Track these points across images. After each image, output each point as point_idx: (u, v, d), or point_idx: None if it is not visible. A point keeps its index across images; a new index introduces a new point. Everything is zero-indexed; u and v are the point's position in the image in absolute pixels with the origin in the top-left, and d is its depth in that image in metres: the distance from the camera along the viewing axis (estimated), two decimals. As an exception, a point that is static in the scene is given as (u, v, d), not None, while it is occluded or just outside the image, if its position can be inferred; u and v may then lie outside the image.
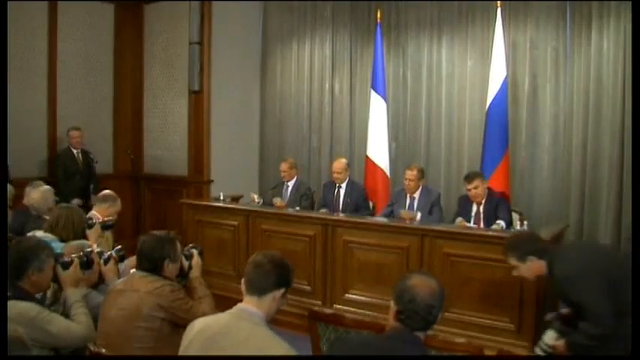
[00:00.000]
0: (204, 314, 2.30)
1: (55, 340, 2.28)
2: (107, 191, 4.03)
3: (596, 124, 5.28)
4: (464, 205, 4.58)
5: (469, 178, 4.47)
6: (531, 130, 5.67)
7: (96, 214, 3.75)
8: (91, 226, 3.30)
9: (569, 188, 5.49)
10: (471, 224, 4.40)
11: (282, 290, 1.93)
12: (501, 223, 4.16)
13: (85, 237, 3.20)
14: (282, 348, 1.78)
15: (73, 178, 5.87)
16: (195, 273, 2.67)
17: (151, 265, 2.41)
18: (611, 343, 2.27)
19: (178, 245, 2.55)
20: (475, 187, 4.39)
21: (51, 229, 3.14)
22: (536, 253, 2.69)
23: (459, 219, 4.41)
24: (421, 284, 1.83)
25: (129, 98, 7.03)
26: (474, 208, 4.50)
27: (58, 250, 2.70)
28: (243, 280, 1.96)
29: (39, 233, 3.10)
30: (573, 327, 2.43)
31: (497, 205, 4.39)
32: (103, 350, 2.11)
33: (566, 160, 5.51)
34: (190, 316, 2.31)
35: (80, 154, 6.05)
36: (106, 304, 2.40)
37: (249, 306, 1.89)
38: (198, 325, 1.93)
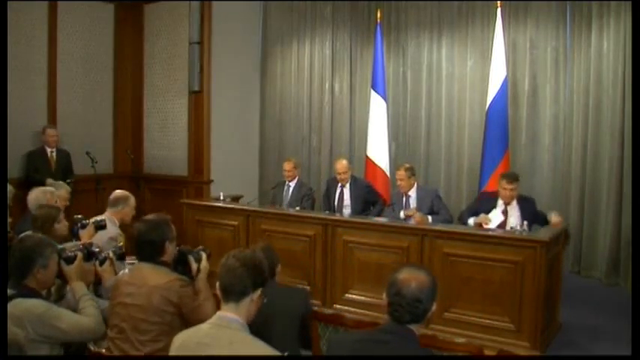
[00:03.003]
0: (207, 316, 2.29)
1: (65, 335, 2.26)
2: (117, 192, 3.81)
3: (596, 124, 5.29)
4: (486, 201, 4.42)
5: (512, 178, 4.28)
6: (531, 130, 5.68)
7: (110, 216, 3.62)
8: (84, 226, 3.23)
9: (569, 188, 5.50)
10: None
11: (258, 291, 1.91)
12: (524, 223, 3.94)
13: (78, 237, 3.17)
14: (266, 351, 1.78)
15: (42, 179, 5.03)
16: (202, 275, 2.66)
17: (152, 249, 2.39)
18: None
19: (172, 226, 2.53)
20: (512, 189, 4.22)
21: (35, 228, 3.08)
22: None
23: (482, 215, 4.26)
24: (409, 278, 1.81)
25: (129, 98, 7.03)
26: (499, 207, 4.30)
27: None
28: (217, 287, 1.91)
29: (27, 233, 3.01)
30: None
31: (535, 211, 4.25)
32: (103, 351, 2.11)
33: (566, 160, 5.52)
34: (194, 315, 2.30)
35: (55, 154, 5.82)
36: (115, 296, 2.38)
37: (228, 313, 1.87)
38: (180, 338, 1.91)
